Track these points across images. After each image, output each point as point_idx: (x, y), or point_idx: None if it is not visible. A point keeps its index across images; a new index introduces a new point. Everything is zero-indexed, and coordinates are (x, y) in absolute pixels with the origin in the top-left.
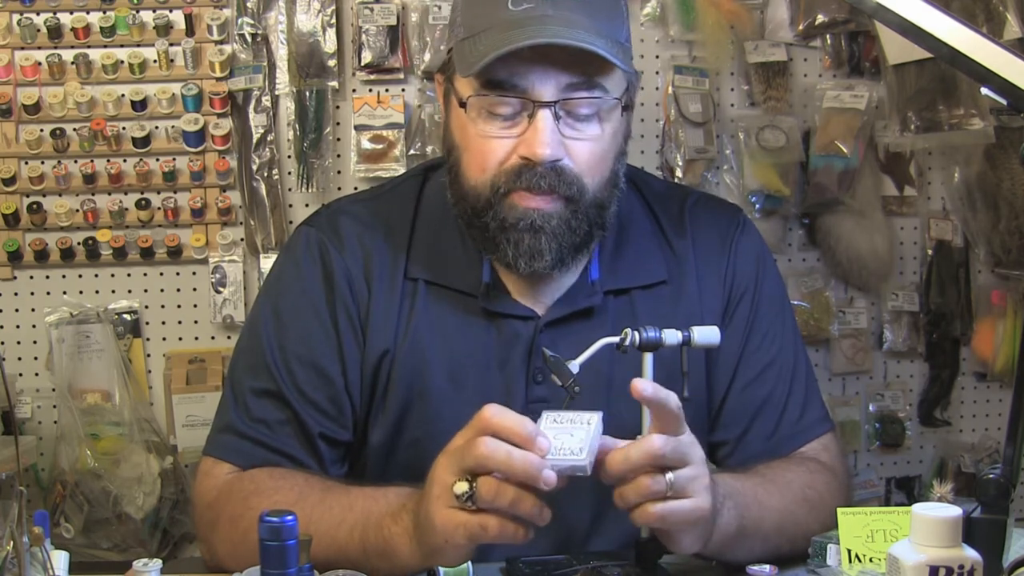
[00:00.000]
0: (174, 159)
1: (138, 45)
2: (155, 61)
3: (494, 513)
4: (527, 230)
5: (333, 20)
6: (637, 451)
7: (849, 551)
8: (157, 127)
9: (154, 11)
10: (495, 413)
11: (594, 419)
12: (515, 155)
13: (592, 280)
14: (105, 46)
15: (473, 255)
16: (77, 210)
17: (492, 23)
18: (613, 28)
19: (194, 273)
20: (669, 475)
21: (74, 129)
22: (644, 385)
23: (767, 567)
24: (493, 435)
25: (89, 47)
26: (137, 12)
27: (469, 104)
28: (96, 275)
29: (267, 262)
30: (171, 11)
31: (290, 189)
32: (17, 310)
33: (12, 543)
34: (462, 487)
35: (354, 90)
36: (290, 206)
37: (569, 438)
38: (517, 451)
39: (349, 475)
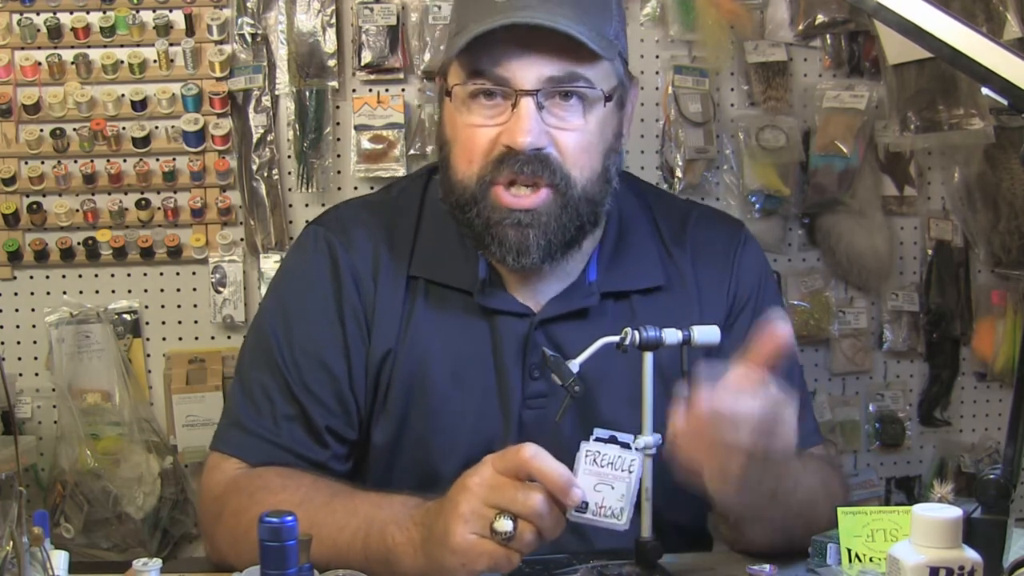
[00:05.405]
0: (174, 159)
1: (138, 45)
2: (155, 61)
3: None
4: (512, 226)
5: (333, 20)
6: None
7: (849, 551)
8: (157, 127)
9: (154, 11)
10: (535, 455)
11: (635, 464)
12: (499, 144)
13: (589, 281)
14: (105, 46)
15: (471, 253)
16: (77, 210)
17: (479, 13)
18: (599, 22)
19: (194, 273)
20: None
21: (74, 129)
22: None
23: (767, 566)
24: (529, 477)
25: (89, 47)
26: (137, 12)
27: (454, 93)
28: (96, 275)
29: (267, 262)
30: (171, 11)
31: (290, 189)
32: (17, 310)
33: (12, 543)
34: (505, 526)
35: (354, 90)
36: (290, 206)
37: (610, 492)
38: (561, 517)
39: (354, 474)
